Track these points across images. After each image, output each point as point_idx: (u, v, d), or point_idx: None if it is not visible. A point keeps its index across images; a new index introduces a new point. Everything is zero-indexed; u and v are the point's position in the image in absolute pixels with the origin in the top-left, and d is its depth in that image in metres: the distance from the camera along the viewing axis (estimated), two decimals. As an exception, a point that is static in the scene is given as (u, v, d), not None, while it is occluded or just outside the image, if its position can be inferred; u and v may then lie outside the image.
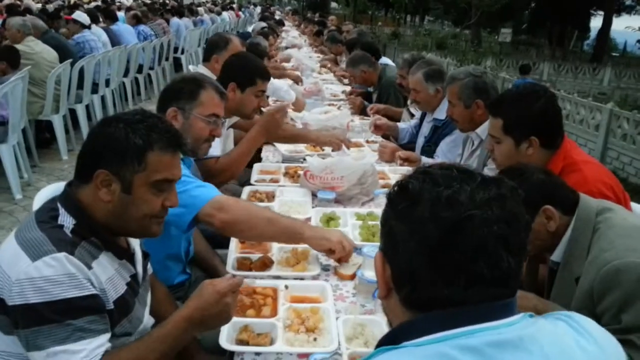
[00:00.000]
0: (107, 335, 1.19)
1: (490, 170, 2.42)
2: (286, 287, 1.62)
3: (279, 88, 4.18)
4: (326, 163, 2.42)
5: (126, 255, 1.35)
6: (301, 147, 3.15)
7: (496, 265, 0.74)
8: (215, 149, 2.27)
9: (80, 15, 6.89)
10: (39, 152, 5.23)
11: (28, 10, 9.72)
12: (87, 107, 5.99)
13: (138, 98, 8.19)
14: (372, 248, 1.64)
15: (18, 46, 4.99)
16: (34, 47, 5.10)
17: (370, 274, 1.61)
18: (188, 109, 1.93)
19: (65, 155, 5.36)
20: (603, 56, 25.04)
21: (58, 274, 1.12)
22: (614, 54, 30.13)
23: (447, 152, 3.04)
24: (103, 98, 6.53)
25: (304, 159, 2.89)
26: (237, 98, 2.57)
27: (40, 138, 5.49)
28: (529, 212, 0.82)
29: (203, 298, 1.23)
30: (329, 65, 7.00)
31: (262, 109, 3.06)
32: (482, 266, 0.74)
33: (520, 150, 1.92)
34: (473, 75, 2.61)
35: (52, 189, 1.90)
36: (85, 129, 5.85)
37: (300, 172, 2.60)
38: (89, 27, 6.81)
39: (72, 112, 5.70)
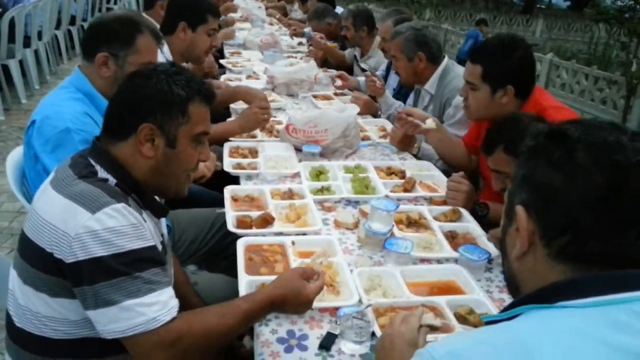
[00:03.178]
0: (172, 289, 1.14)
1: (450, 127, 2.48)
2: (293, 242, 1.60)
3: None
4: (309, 116, 2.37)
5: (162, 213, 1.30)
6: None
7: None
8: None
9: None
10: (-30, 112, 4.80)
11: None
12: (20, 62, 5.51)
13: (72, 52, 7.62)
14: (380, 201, 1.65)
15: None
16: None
17: (377, 225, 1.63)
18: (122, 55, 1.71)
19: (2, 116, 4.95)
20: (533, 8, 25.80)
21: (121, 224, 1.08)
22: (541, 6, 31.08)
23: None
24: (37, 53, 6.02)
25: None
26: (188, 38, 2.44)
27: (-29, 97, 5.02)
28: None
29: (290, 288, 1.20)
30: (277, 16, 6.78)
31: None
32: None
33: (495, 99, 1.99)
34: (414, 28, 2.68)
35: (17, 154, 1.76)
36: (20, 86, 5.42)
37: (279, 127, 2.54)
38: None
39: (5, 69, 5.23)
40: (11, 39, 5.20)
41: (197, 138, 1.24)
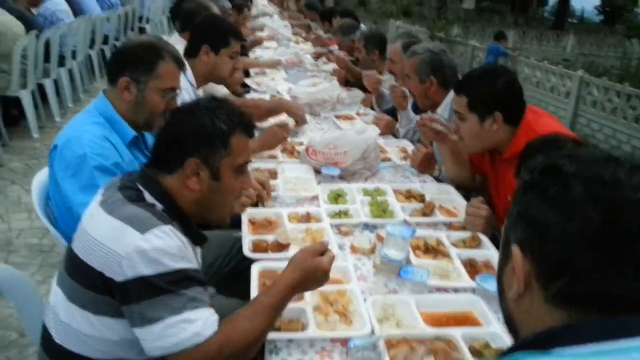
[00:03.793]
0: (212, 309, 1.19)
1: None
2: (308, 268, 1.59)
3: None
4: (329, 138, 2.37)
5: (200, 241, 1.34)
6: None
7: None
8: None
9: None
10: (7, 130, 4.96)
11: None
12: (55, 81, 5.70)
13: (105, 71, 7.84)
14: (396, 227, 1.63)
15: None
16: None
17: (393, 252, 1.61)
18: (143, 80, 1.77)
19: (36, 133, 5.11)
20: (564, 23, 25.44)
21: (169, 245, 1.13)
22: (573, 20, 30.64)
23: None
24: (71, 72, 6.22)
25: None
26: (210, 61, 2.49)
27: (9, 115, 5.20)
28: None
29: (306, 268, 1.27)
30: (303, 35, 6.85)
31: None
32: None
33: (484, 126, 2.01)
34: (431, 51, 2.67)
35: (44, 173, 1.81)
36: (54, 105, 5.59)
37: (299, 148, 2.55)
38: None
39: (40, 88, 5.41)
40: (46, 58, 5.39)
41: (240, 169, 1.31)
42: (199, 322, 1.13)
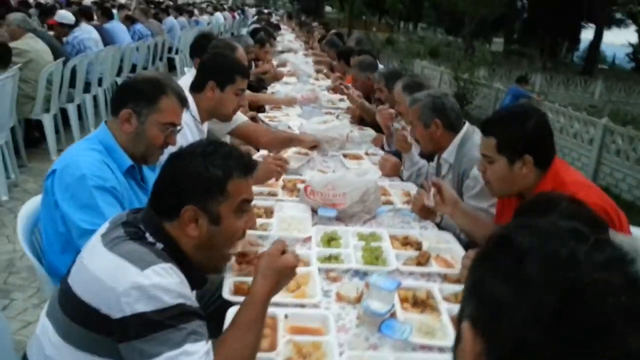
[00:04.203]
0: (210, 342, 1.20)
1: (471, 199, 2.38)
2: (286, 316, 1.54)
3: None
4: (328, 178, 2.34)
5: (199, 284, 1.35)
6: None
7: (623, 345, 0.60)
8: None
9: (64, 17, 6.61)
10: (27, 151, 5.09)
11: (25, 4, 9.59)
12: (78, 106, 5.85)
13: (110, 103, 8.02)
14: (380, 278, 1.57)
15: (17, 43, 4.86)
16: (32, 45, 4.97)
17: (376, 304, 1.54)
18: (145, 113, 1.80)
19: (55, 156, 5.21)
20: (594, 69, 25.26)
21: (168, 282, 1.14)
22: (603, 66, 30.45)
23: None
24: (95, 97, 6.40)
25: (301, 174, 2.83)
26: (216, 97, 2.51)
27: (30, 137, 5.34)
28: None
29: (276, 271, 1.33)
30: (325, 71, 6.93)
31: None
32: (609, 345, 0.60)
33: (514, 170, 1.91)
34: (432, 96, 2.62)
35: (34, 204, 1.82)
36: (76, 129, 5.72)
37: (300, 186, 2.52)
38: (76, 25, 6.61)
39: (63, 111, 5.56)
40: (72, 84, 5.56)
41: (241, 207, 1.30)
42: (198, 354, 1.13)
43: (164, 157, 1.97)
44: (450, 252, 2.09)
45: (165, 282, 1.13)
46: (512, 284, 0.65)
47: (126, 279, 1.11)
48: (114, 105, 1.85)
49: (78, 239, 1.67)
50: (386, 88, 3.65)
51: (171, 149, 1.88)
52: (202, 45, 3.55)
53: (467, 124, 2.63)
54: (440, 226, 2.39)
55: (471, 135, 2.56)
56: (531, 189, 1.92)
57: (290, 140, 3.13)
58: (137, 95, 1.82)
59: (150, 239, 1.23)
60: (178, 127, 1.91)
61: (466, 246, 2.15)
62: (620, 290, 0.62)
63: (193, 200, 1.24)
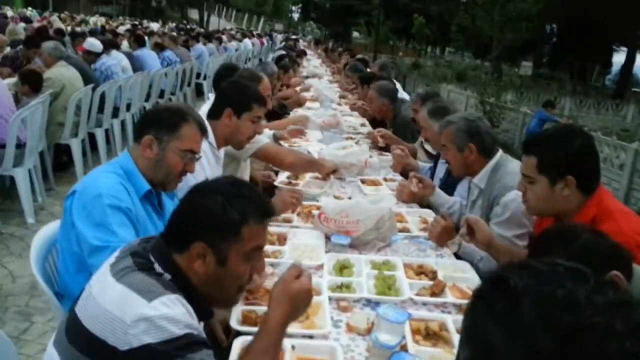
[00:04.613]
0: None
1: (496, 226, 2.32)
2: (293, 347, 1.51)
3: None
4: (342, 205, 2.32)
5: (206, 316, 1.34)
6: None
7: None
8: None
9: (93, 45, 6.85)
10: (55, 175, 5.22)
11: (59, 32, 10.00)
12: (106, 130, 6.01)
13: (133, 130, 8.19)
14: (389, 309, 1.53)
15: (50, 71, 5.05)
16: (64, 73, 5.16)
17: (385, 337, 1.50)
18: (165, 140, 1.85)
19: (81, 179, 5.34)
20: (626, 92, 24.73)
21: (175, 312, 1.13)
22: (636, 89, 29.76)
23: (464, 195, 2.92)
24: (123, 122, 6.56)
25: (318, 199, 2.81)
26: (232, 124, 2.53)
27: (58, 161, 5.50)
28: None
29: (292, 297, 1.32)
30: (349, 97, 6.96)
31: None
32: None
33: (555, 191, 1.84)
34: (467, 119, 2.56)
35: (50, 230, 1.85)
36: (104, 153, 5.86)
37: (315, 212, 2.51)
38: (104, 53, 6.85)
39: (91, 135, 5.71)
40: (101, 109, 5.72)
41: (250, 255, 1.27)
42: None
43: (182, 185, 2.01)
44: (466, 281, 2.03)
45: (172, 313, 1.12)
46: (506, 327, 0.62)
47: (133, 310, 1.11)
48: (137, 132, 1.91)
49: (89, 256, 1.70)
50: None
51: (190, 177, 1.92)
52: (224, 77, 3.60)
53: (500, 151, 2.56)
54: (458, 255, 2.33)
55: (504, 162, 2.49)
56: (572, 213, 1.85)
57: (312, 164, 3.15)
58: (159, 122, 1.87)
59: (159, 269, 1.23)
60: (197, 155, 1.95)
61: (483, 276, 2.08)
62: (624, 335, 0.58)
63: (204, 238, 1.23)
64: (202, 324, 1.36)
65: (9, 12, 20.29)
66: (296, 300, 1.32)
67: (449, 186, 3.06)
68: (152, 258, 1.25)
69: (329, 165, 3.13)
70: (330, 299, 1.81)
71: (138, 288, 1.15)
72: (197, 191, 1.30)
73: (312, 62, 12.70)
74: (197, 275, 1.25)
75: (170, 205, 2.02)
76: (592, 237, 1.39)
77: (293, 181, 3.20)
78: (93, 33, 10.74)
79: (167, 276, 1.23)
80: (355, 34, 46.30)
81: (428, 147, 3.71)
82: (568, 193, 1.82)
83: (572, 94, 22.02)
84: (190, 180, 1.82)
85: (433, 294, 1.90)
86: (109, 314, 1.13)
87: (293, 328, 1.61)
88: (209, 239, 1.23)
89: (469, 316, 0.68)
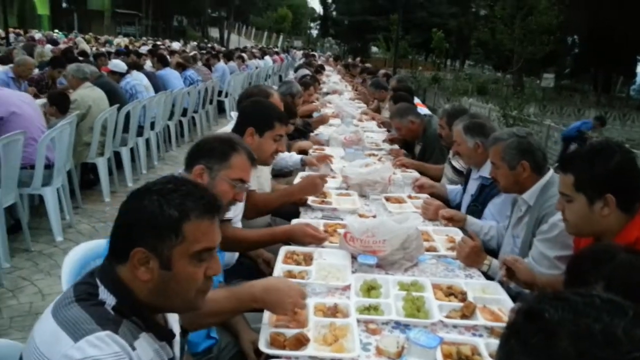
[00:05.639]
0: None
1: (540, 243, 2.26)
2: (323, 371, 1.49)
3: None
4: (367, 225, 2.29)
5: (167, 336, 1.26)
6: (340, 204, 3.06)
7: None
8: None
9: (116, 65, 7.02)
10: (82, 193, 5.31)
11: (83, 54, 10.26)
12: (131, 149, 6.11)
13: (181, 140, 8.35)
14: (421, 333, 1.50)
15: (75, 93, 5.17)
16: (89, 94, 5.27)
17: (416, 362, 1.46)
18: (216, 169, 1.89)
19: (108, 197, 5.43)
20: (653, 103, 24.28)
21: (103, 353, 1.04)
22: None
23: (496, 213, 2.87)
24: (147, 140, 6.66)
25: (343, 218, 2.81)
26: (255, 143, 2.56)
27: (85, 179, 5.60)
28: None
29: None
30: (370, 113, 6.95)
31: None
32: None
33: (594, 210, 1.79)
34: (517, 135, 2.49)
35: (81, 250, 1.86)
36: (128, 171, 5.96)
37: (340, 231, 2.49)
38: (127, 73, 6.98)
39: (117, 154, 5.81)
40: (125, 128, 5.82)
41: (198, 256, 1.19)
42: None
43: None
44: (497, 303, 1.98)
45: (100, 354, 1.04)
46: None
47: (59, 350, 1.04)
48: (188, 161, 1.94)
49: None
50: (447, 125, 3.59)
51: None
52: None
53: (551, 169, 2.49)
54: (487, 275, 2.28)
55: (556, 181, 2.44)
56: (613, 233, 1.79)
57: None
58: (210, 152, 1.92)
59: (104, 293, 1.15)
60: (247, 185, 1.97)
61: (514, 297, 2.04)
62: None
63: (143, 242, 1.14)
64: (169, 357, 1.29)
65: (37, 35, 20.96)
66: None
67: (480, 203, 3.01)
68: (97, 281, 1.17)
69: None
70: (358, 321, 1.78)
71: (67, 325, 1.08)
72: (133, 195, 1.22)
73: (332, 78, 12.75)
74: (144, 285, 1.17)
75: None
76: (628, 257, 1.35)
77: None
78: (118, 53, 10.99)
79: (112, 301, 1.14)
80: (374, 49, 46.50)
81: (456, 163, 3.67)
82: (608, 212, 1.76)
83: (596, 106, 21.68)
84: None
85: (463, 316, 1.86)
86: (39, 353, 1.07)
87: (322, 352, 1.60)
88: (149, 243, 1.15)
89: (502, 348, 0.67)
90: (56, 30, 27.69)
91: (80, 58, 8.55)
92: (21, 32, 22.03)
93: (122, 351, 1.07)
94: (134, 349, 1.11)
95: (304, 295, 1.72)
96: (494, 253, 2.60)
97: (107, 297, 1.15)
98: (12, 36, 18.64)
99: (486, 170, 3.00)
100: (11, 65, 6.80)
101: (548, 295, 0.66)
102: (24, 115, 4.16)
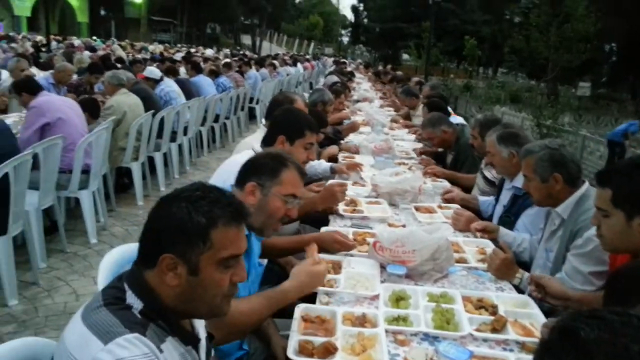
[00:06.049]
0: None
1: (574, 257, 2.20)
2: (351, 381, 1.49)
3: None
4: (397, 235, 2.28)
5: (192, 341, 1.28)
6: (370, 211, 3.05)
7: None
8: None
9: (151, 72, 7.20)
10: (116, 196, 5.45)
11: (120, 60, 10.56)
12: (164, 154, 6.23)
13: (213, 146, 8.48)
14: (451, 346, 1.48)
15: (111, 100, 5.33)
16: (125, 100, 5.41)
17: (445, 375, 1.45)
18: (268, 185, 1.90)
19: (141, 201, 5.55)
20: (695, 112, 23.40)
21: (133, 354, 1.07)
22: None
23: (529, 225, 2.82)
24: (180, 146, 6.79)
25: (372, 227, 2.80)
26: (285, 150, 2.56)
27: (119, 183, 5.74)
28: None
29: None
30: (401, 121, 6.93)
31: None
32: None
33: (632, 226, 1.73)
34: (549, 147, 2.43)
35: (117, 253, 1.90)
36: (161, 176, 6.08)
37: (370, 240, 2.49)
38: (161, 80, 7.14)
39: (150, 159, 5.94)
40: (159, 133, 5.95)
41: (225, 262, 1.21)
42: None
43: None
44: (529, 317, 1.94)
45: (130, 356, 1.06)
46: None
47: (90, 353, 1.07)
48: (240, 179, 1.96)
49: None
50: (480, 136, 3.55)
51: None
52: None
53: (587, 182, 2.43)
54: (518, 288, 2.24)
55: (592, 194, 2.38)
56: None
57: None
58: (261, 168, 1.94)
59: (131, 298, 1.18)
60: (298, 200, 1.98)
61: (547, 312, 1.99)
62: None
63: (172, 248, 1.17)
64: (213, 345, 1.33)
65: (76, 42, 21.65)
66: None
67: (512, 214, 2.96)
68: (125, 286, 1.19)
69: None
70: (386, 331, 1.78)
71: (97, 328, 1.11)
72: (162, 201, 1.24)
73: (362, 86, 12.75)
74: (171, 290, 1.19)
75: (256, 246, 2.03)
76: None
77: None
78: (153, 60, 11.27)
79: (139, 305, 1.17)
80: (405, 56, 46.31)
81: (488, 174, 3.62)
82: None
83: (634, 115, 21.03)
84: None
85: (494, 330, 1.83)
86: (70, 355, 1.10)
87: (350, 362, 1.59)
88: (177, 249, 1.17)
89: None
90: (94, 37, 28.54)
91: (118, 65, 8.81)
92: (61, 38, 22.83)
93: (151, 352, 1.09)
94: (161, 351, 1.13)
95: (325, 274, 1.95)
96: (527, 266, 2.55)
97: (134, 302, 1.18)
98: (53, 43, 19.34)
99: (519, 181, 2.94)
100: (52, 71, 7.05)
101: (584, 313, 0.65)
102: (69, 121, 4.31)
